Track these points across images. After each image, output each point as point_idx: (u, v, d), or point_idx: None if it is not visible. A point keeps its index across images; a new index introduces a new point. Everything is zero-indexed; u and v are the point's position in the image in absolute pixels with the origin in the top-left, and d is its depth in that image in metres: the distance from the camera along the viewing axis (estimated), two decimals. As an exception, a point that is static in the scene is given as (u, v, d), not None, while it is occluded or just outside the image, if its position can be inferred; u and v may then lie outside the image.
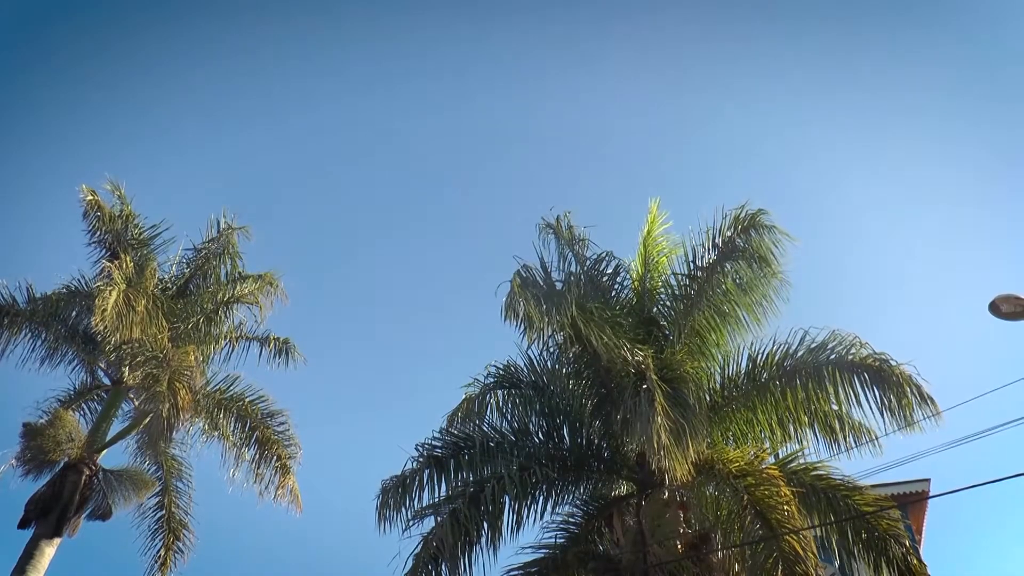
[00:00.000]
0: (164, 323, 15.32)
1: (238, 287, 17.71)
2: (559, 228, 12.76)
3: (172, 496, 16.79)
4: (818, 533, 11.17)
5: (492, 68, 34.23)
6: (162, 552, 16.30)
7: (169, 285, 17.18)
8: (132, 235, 16.72)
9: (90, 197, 16.24)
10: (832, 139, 32.54)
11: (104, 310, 13.62)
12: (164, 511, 16.65)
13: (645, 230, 13.25)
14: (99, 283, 14.75)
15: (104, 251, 16.38)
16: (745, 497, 10.05)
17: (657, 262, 13.21)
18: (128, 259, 15.33)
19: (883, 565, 10.73)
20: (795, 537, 9.68)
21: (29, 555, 14.40)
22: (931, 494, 15.74)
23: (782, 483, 10.08)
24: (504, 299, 10.69)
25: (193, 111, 33.63)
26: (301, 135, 35.25)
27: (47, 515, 14.71)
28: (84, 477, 15.07)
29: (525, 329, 10.63)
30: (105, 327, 13.85)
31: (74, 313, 15.88)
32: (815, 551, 10.04)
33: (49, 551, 14.61)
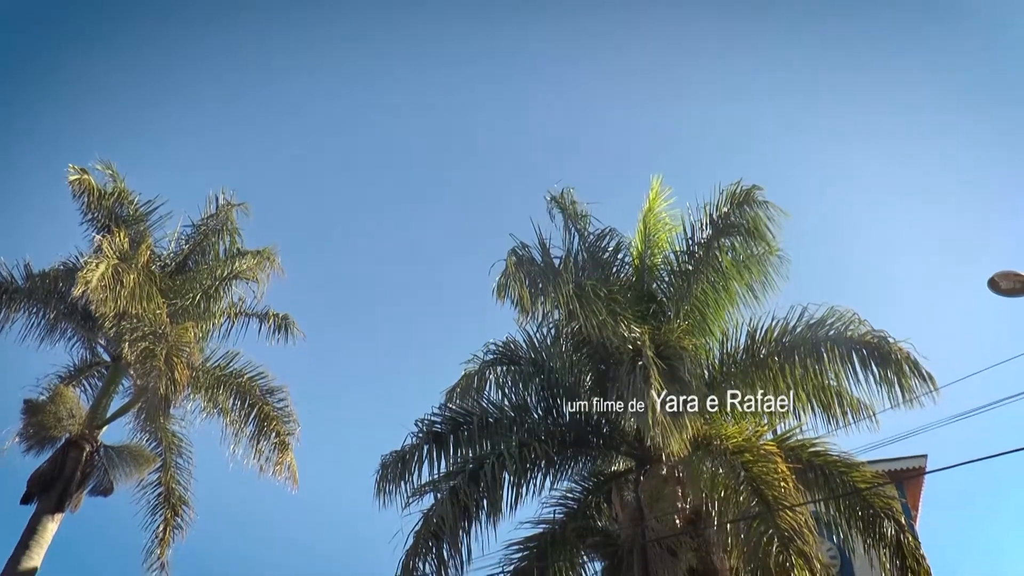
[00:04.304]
0: (162, 299, 15.30)
1: (237, 263, 17.68)
2: (563, 202, 12.74)
3: (172, 472, 16.87)
4: (816, 509, 11.26)
5: (493, 41, 33.93)
6: (161, 528, 16.41)
7: (168, 262, 17.15)
8: (127, 212, 16.65)
9: (77, 176, 16.13)
10: (830, 113, 32.39)
11: (88, 282, 13.59)
12: (164, 487, 16.75)
13: (646, 207, 13.23)
14: (89, 257, 14.70)
15: (98, 228, 16.33)
16: (742, 473, 10.10)
17: (657, 239, 13.19)
18: (122, 234, 15.27)
19: (878, 542, 10.84)
20: (792, 513, 9.74)
21: (32, 530, 14.51)
22: (927, 470, 15.82)
23: (779, 459, 10.13)
24: (498, 279, 10.68)
25: (189, 90, 33.38)
26: (294, 107, 35.02)
27: (49, 491, 14.80)
28: (85, 453, 15.14)
29: (518, 310, 10.66)
30: (89, 299, 13.84)
31: (72, 289, 15.83)
32: (812, 527, 10.11)
33: (52, 526, 14.72)
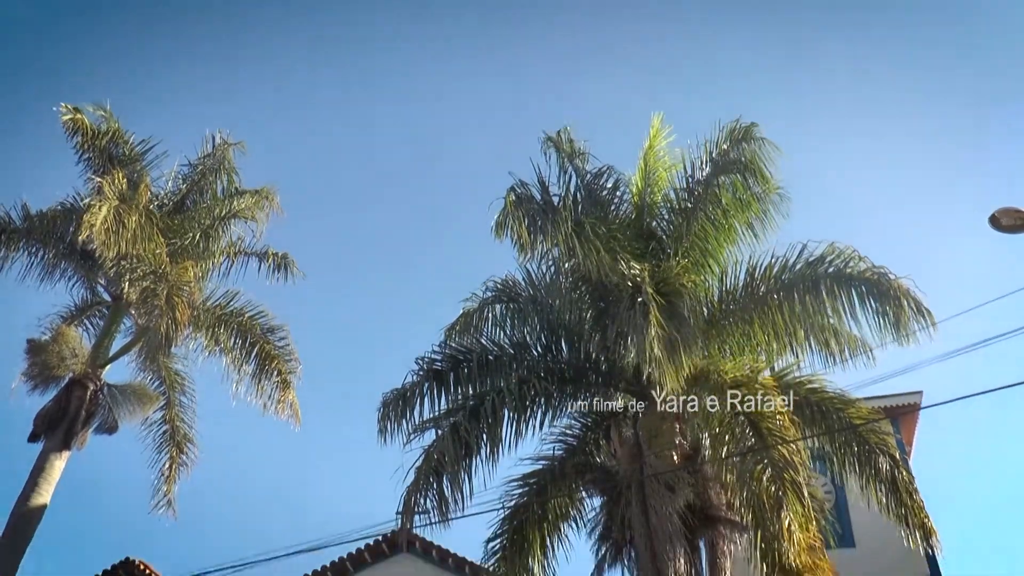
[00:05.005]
0: (161, 239, 15.28)
1: (235, 202, 17.58)
2: (559, 142, 12.61)
3: (176, 410, 17.04)
4: (811, 445, 11.41)
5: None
6: (167, 466, 16.65)
7: (166, 201, 17.07)
8: (122, 152, 16.50)
9: (70, 116, 15.94)
10: (830, 50, 31.85)
11: (93, 225, 13.56)
12: (168, 425, 16.95)
13: (646, 145, 13.11)
14: (90, 199, 14.62)
15: (94, 168, 16.20)
16: (738, 407, 10.20)
17: (657, 176, 13.10)
18: (120, 174, 15.16)
19: (872, 478, 11.01)
20: (787, 447, 9.86)
21: (40, 468, 14.72)
22: (922, 406, 15.97)
23: (776, 394, 10.22)
24: (496, 216, 10.63)
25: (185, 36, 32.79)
26: (287, 40, 34.46)
27: (55, 429, 14.96)
28: (89, 392, 15.26)
29: (517, 248, 10.64)
30: (94, 243, 13.84)
31: (71, 229, 15.79)
32: (806, 461, 10.27)
33: (59, 464, 14.92)
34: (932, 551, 11.14)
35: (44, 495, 14.56)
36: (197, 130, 18.13)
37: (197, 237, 16.83)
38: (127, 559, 16.32)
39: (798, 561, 9.98)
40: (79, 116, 16.05)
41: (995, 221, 9.61)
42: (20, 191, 17.59)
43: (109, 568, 16.27)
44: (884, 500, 11.03)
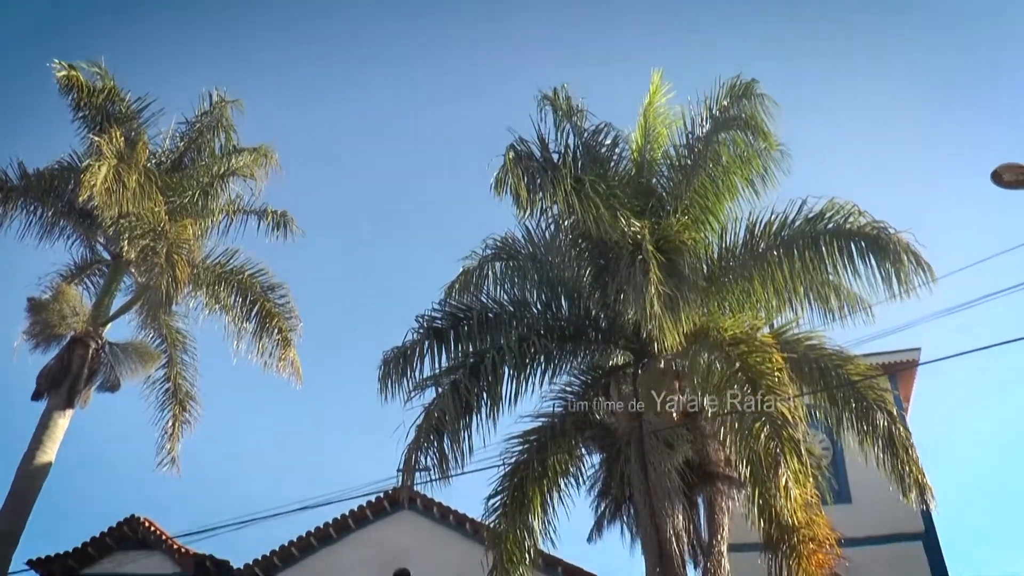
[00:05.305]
0: (160, 197, 15.21)
1: (233, 160, 17.43)
2: (556, 100, 12.45)
3: (178, 368, 17.11)
4: (810, 402, 11.46)
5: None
6: (170, 423, 16.76)
7: (163, 159, 16.95)
8: (118, 109, 16.33)
9: (64, 72, 15.74)
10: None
11: (93, 185, 13.49)
12: (170, 383, 17.03)
13: (646, 101, 12.97)
14: (89, 158, 14.52)
15: (91, 127, 16.06)
16: (737, 364, 10.22)
17: (657, 133, 12.98)
18: (117, 133, 15.04)
19: (869, 434, 11.08)
20: (784, 403, 9.90)
21: (44, 426, 14.82)
22: (920, 362, 16.01)
23: (775, 351, 10.23)
24: (495, 173, 10.54)
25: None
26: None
27: (58, 387, 15.04)
28: (91, 350, 15.30)
29: (516, 205, 10.57)
30: (95, 203, 13.78)
31: (69, 188, 15.72)
32: (803, 417, 10.31)
33: (63, 422, 15.02)
34: (927, 506, 11.24)
35: (49, 453, 14.68)
36: (192, 89, 17.97)
37: (196, 195, 16.72)
38: (132, 516, 16.52)
39: (795, 518, 10.10)
40: (73, 73, 15.85)
41: (997, 177, 9.51)
42: (16, 150, 17.36)
43: (114, 525, 16.48)
44: (880, 456, 11.11)
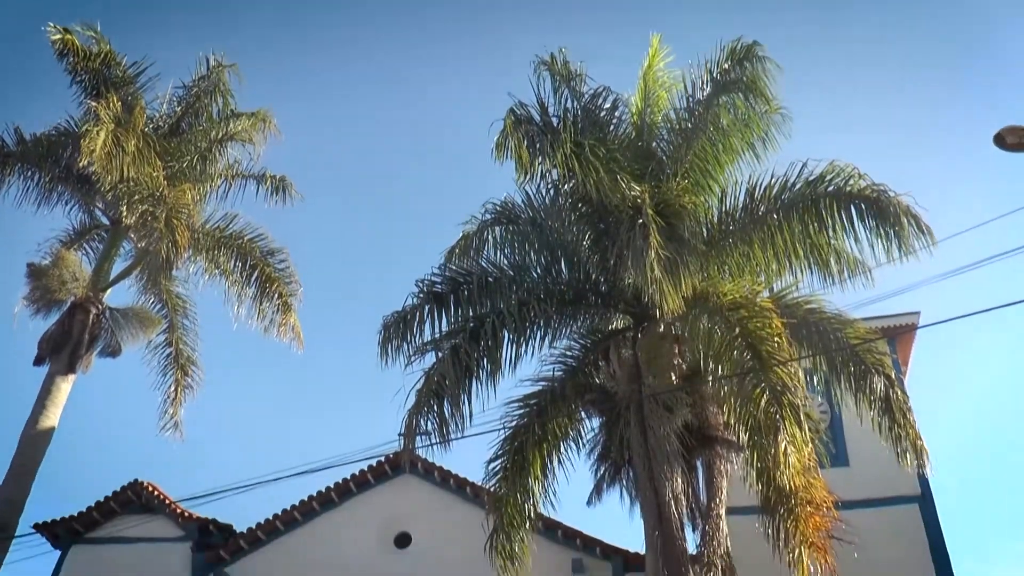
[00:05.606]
0: (158, 162, 15.15)
1: (231, 125, 17.35)
2: (554, 65, 12.32)
3: (179, 333, 17.17)
4: (808, 366, 11.48)
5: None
6: (173, 388, 16.85)
7: (161, 124, 16.86)
8: (115, 74, 16.20)
9: (60, 36, 15.59)
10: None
11: (93, 150, 13.44)
12: (172, 348, 17.09)
13: (645, 65, 12.87)
14: (86, 124, 14.43)
15: (87, 91, 15.96)
16: (737, 328, 10.23)
17: (657, 97, 12.88)
18: (114, 97, 14.94)
19: (867, 397, 11.12)
20: (784, 368, 9.92)
21: (47, 391, 14.92)
22: (919, 325, 15.99)
23: (774, 315, 10.24)
24: (496, 138, 10.47)
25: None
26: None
27: (59, 352, 15.11)
28: (92, 315, 15.36)
29: (517, 169, 10.51)
30: (94, 168, 13.73)
31: (66, 153, 15.66)
32: (803, 382, 10.34)
33: (65, 387, 15.11)
34: (923, 470, 11.32)
35: (52, 418, 14.78)
36: (189, 53, 17.82)
37: (194, 160, 16.68)
38: (135, 481, 16.63)
39: (793, 481, 10.17)
40: (69, 37, 15.71)
41: (1000, 139, 9.41)
42: (13, 116, 17.28)
43: (118, 490, 16.59)
44: (878, 420, 11.17)
